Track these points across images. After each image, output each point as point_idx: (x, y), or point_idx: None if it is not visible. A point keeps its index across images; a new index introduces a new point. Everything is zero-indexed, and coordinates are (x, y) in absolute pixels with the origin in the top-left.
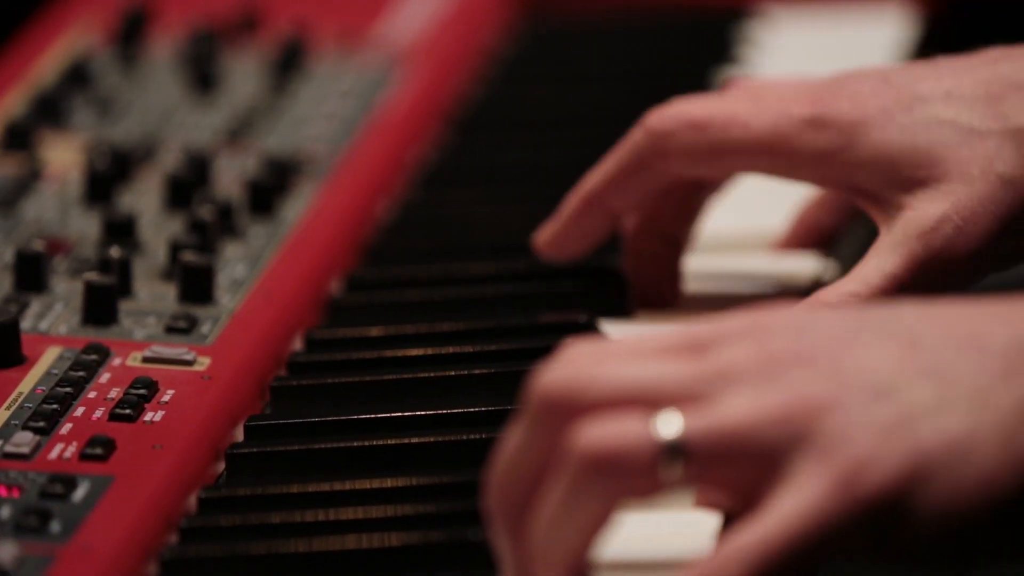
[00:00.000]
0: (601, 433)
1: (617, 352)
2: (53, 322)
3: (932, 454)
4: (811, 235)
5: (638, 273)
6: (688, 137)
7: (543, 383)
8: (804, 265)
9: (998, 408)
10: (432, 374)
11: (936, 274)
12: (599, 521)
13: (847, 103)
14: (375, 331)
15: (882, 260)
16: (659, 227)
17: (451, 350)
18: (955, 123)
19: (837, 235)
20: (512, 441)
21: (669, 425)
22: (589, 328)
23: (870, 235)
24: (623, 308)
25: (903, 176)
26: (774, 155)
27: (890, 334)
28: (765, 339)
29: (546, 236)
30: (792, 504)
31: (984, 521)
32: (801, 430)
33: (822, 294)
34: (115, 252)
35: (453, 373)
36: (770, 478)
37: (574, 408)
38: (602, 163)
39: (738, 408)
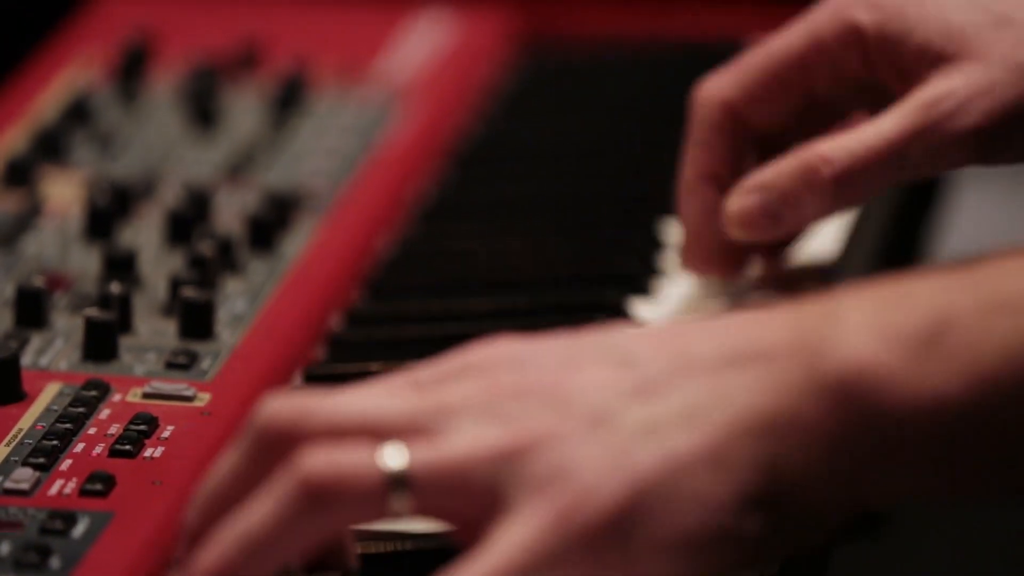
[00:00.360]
0: (326, 460)
1: (344, 390)
2: (53, 358)
3: (649, 477)
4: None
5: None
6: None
7: (266, 411)
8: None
9: (707, 425)
10: None
11: (934, 147)
12: (310, 544)
13: None
14: (374, 367)
15: (884, 124)
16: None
17: None
18: (989, 7)
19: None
20: (227, 463)
21: (395, 456)
22: None
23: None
24: None
25: (933, 52)
26: (822, 44)
27: (605, 356)
28: (487, 374)
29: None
30: (510, 539)
31: (704, 541)
32: (521, 464)
33: (821, 147)
34: (115, 288)
35: None
36: (493, 511)
37: (296, 435)
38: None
39: (460, 442)
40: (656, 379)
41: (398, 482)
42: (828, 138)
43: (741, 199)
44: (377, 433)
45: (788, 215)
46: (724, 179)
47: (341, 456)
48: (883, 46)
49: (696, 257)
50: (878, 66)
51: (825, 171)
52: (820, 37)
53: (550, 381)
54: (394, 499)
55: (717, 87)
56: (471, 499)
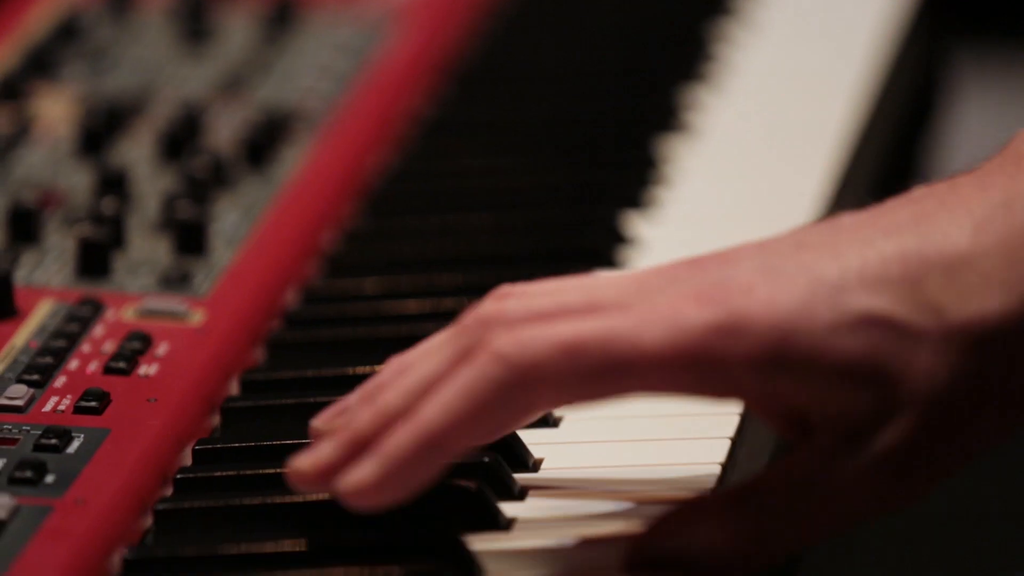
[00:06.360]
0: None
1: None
2: (46, 275)
3: None
4: None
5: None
6: (563, 366)
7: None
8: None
9: None
10: (430, 328)
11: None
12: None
13: (751, 300)
14: (370, 284)
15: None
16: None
17: (449, 304)
18: (891, 321)
19: None
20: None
21: None
22: None
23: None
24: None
25: (844, 390)
26: (675, 373)
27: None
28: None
29: (363, 479)
30: None
31: None
32: None
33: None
34: (108, 205)
35: None
36: None
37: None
38: (444, 398)
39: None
40: None
41: None
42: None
43: None
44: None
45: None
46: None
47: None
48: (764, 383)
49: None
50: (755, 401)
51: None
52: None
53: None
54: None
55: None
56: None
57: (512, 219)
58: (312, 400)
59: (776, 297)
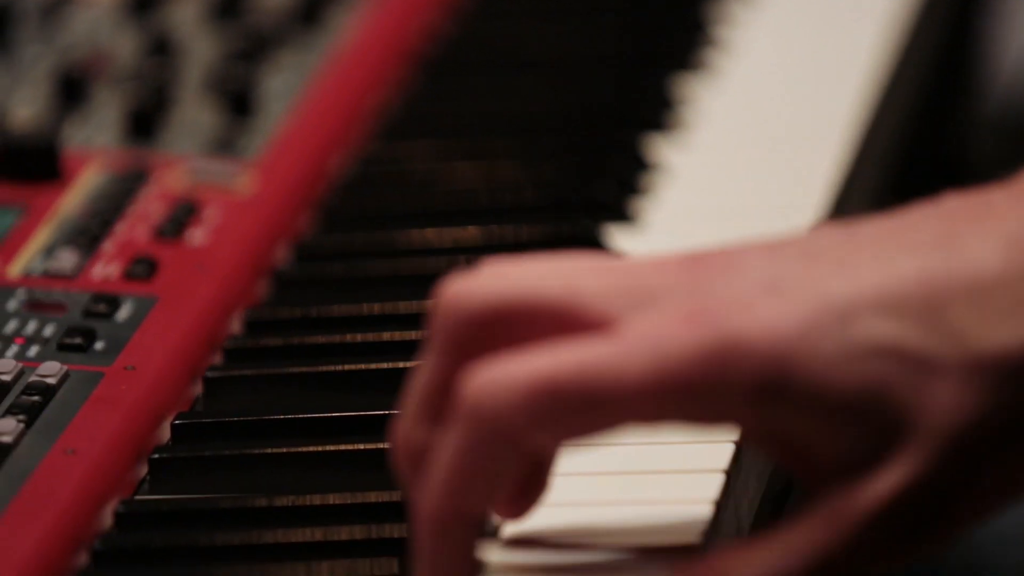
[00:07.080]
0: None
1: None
2: (93, 138)
3: None
4: None
5: None
6: (538, 409)
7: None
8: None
9: None
10: (483, 199)
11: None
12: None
13: (749, 320)
14: (425, 149)
15: (814, 534)
16: None
17: (505, 171)
18: (903, 351)
19: None
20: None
21: None
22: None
23: None
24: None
25: (849, 426)
26: (663, 403)
27: None
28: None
29: None
30: None
31: None
32: None
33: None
34: (156, 68)
35: (510, 199)
36: None
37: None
38: (434, 483)
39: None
40: None
41: None
42: (728, 551)
43: None
44: None
45: None
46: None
47: None
48: (762, 416)
49: None
50: (754, 434)
51: None
52: None
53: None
54: None
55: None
56: None
57: (565, 85)
58: (364, 271)
59: (777, 318)
